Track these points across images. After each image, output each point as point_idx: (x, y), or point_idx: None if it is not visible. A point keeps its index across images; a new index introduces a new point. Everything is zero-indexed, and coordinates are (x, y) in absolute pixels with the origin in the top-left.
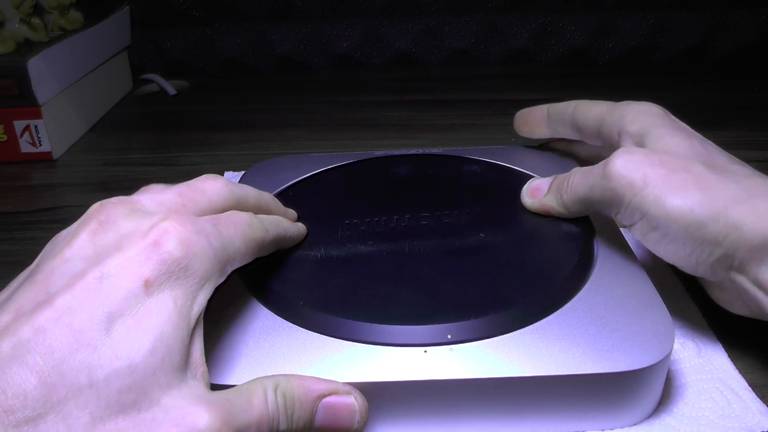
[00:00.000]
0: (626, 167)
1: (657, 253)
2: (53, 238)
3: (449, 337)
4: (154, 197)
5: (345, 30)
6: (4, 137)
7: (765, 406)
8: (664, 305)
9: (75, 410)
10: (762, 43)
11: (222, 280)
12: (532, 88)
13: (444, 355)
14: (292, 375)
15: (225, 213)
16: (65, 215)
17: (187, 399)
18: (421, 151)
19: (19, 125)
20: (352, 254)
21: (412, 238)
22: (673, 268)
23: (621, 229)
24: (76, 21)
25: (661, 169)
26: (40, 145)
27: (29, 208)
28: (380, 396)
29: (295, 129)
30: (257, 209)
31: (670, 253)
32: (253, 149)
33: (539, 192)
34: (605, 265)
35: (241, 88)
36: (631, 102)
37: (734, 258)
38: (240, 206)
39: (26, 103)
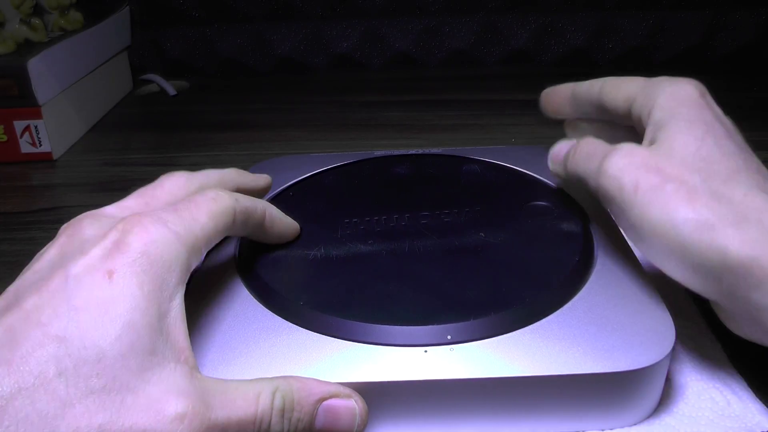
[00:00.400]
0: (621, 169)
1: (650, 261)
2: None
3: (449, 337)
4: (118, 204)
5: (345, 30)
6: (4, 137)
7: (765, 406)
8: (664, 305)
9: (44, 396)
10: (762, 43)
11: (199, 262)
12: (532, 88)
13: (444, 355)
14: (293, 377)
15: (188, 197)
16: (65, 215)
17: (163, 384)
18: (421, 151)
19: (19, 125)
20: (352, 254)
21: (412, 238)
22: None
23: (621, 229)
24: (76, 21)
25: (655, 177)
26: (40, 145)
27: (29, 208)
28: (380, 396)
29: (295, 129)
30: (221, 185)
31: (660, 264)
32: (253, 149)
33: (557, 157)
34: (605, 265)
35: (241, 88)
36: (665, 79)
37: (721, 282)
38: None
39: (26, 103)
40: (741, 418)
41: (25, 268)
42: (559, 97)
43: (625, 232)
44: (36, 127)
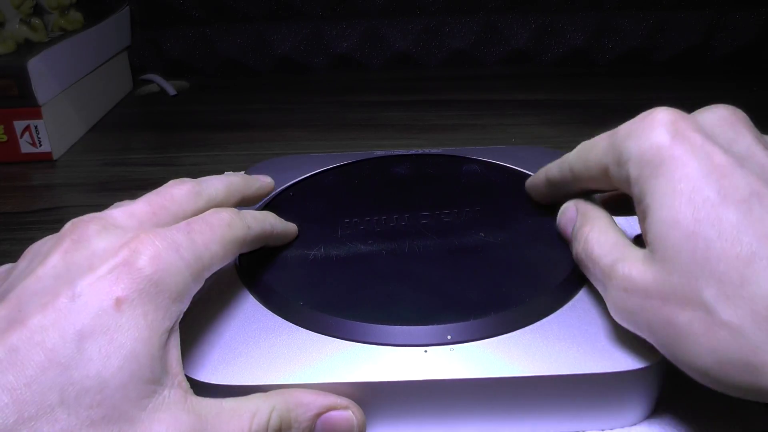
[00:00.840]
0: (625, 307)
1: None
2: (29, 248)
3: (449, 337)
4: (125, 209)
5: (345, 30)
6: (4, 137)
7: (765, 407)
8: None
9: (45, 426)
10: (762, 43)
11: (199, 287)
12: (532, 88)
13: (444, 355)
14: (290, 392)
15: (201, 215)
16: (65, 215)
17: (159, 412)
18: (421, 151)
19: (19, 125)
20: (352, 254)
21: (412, 238)
22: None
23: (621, 228)
24: (76, 21)
25: (662, 309)
26: (40, 145)
27: (29, 208)
28: (380, 396)
29: (295, 129)
30: (228, 197)
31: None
32: (253, 149)
33: (567, 228)
34: None
35: (241, 88)
36: (628, 132)
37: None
38: (212, 203)
39: (26, 103)
40: (741, 418)
41: (23, 260)
42: (538, 191)
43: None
44: (36, 127)
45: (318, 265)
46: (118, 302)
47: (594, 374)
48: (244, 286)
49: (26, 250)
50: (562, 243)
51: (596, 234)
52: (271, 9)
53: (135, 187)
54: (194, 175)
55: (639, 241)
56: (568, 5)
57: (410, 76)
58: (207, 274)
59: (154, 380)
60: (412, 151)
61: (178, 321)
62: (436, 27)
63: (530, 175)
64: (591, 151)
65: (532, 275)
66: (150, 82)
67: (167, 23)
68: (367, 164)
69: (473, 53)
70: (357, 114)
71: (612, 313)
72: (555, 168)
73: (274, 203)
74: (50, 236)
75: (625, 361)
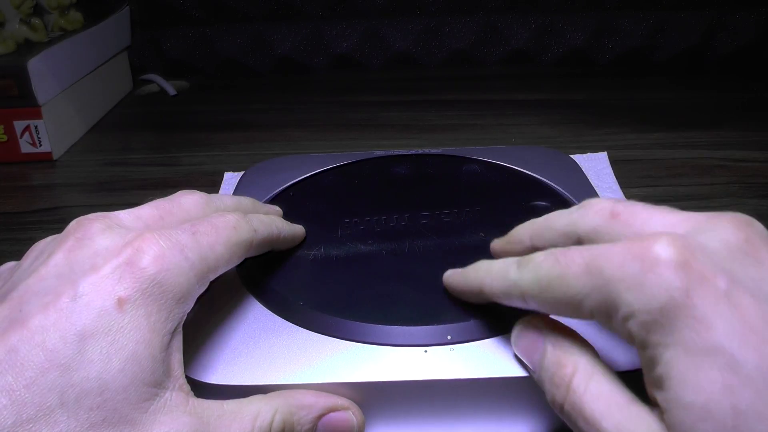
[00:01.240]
0: None
1: None
2: (33, 246)
3: (449, 337)
4: (132, 211)
5: (345, 30)
6: (4, 137)
7: None
8: None
9: (44, 428)
10: (762, 43)
11: (204, 289)
12: (532, 88)
13: (444, 355)
14: (292, 394)
15: (207, 218)
16: (65, 215)
17: (160, 414)
18: (421, 151)
19: (19, 125)
20: (352, 254)
21: (412, 238)
22: None
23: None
24: (76, 21)
25: None
26: (40, 145)
27: (29, 208)
28: (381, 396)
29: (295, 129)
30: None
31: None
32: (253, 149)
33: (532, 356)
34: None
35: (241, 88)
36: (623, 256)
37: None
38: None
39: (26, 103)
40: None
41: (26, 259)
42: (460, 293)
43: None
44: (36, 127)
45: (318, 265)
46: (121, 302)
47: None
48: (245, 286)
49: (30, 248)
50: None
51: (584, 381)
52: (271, 9)
53: (135, 187)
54: (194, 175)
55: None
56: (568, 5)
57: (410, 76)
58: (212, 277)
59: (156, 383)
60: (412, 151)
61: (182, 323)
62: (436, 27)
63: (530, 175)
64: (558, 287)
65: None
66: (150, 82)
67: (167, 23)
68: (367, 164)
69: (473, 53)
70: (357, 114)
71: None
72: (498, 287)
73: (274, 203)
74: (55, 235)
75: (624, 361)
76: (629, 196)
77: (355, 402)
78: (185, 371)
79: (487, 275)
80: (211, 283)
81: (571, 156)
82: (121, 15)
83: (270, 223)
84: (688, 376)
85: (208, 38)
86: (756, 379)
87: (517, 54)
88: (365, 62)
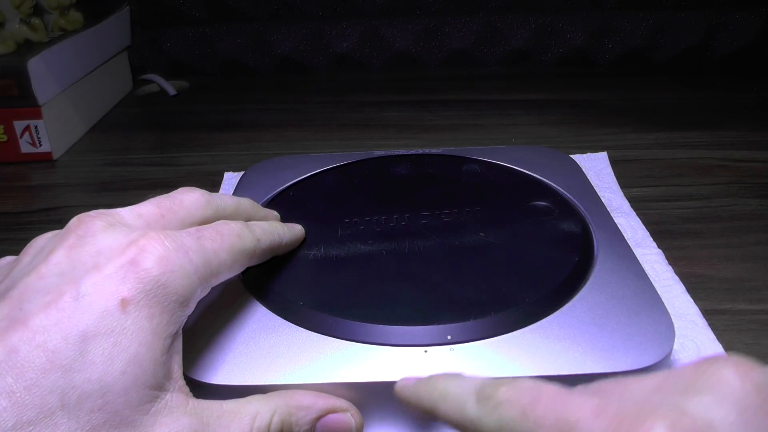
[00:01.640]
0: None
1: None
2: (32, 242)
3: (449, 337)
4: (133, 209)
5: (345, 30)
6: (4, 137)
7: None
8: (664, 305)
9: (45, 430)
10: (762, 43)
11: (205, 294)
12: (532, 88)
13: (444, 355)
14: (290, 394)
15: (213, 224)
16: (65, 215)
17: (160, 416)
18: (421, 151)
19: (19, 125)
20: (352, 254)
21: (412, 238)
22: (674, 268)
23: (621, 229)
24: (76, 21)
25: None
26: (40, 145)
27: (29, 208)
28: (380, 396)
29: (295, 129)
30: (236, 214)
31: None
32: (253, 149)
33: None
34: (605, 265)
35: (241, 88)
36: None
37: None
38: (220, 214)
39: (26, 103)
40: None
41: (25, 255)
42: (410, 405)
43: None
44: (36, 127)
45: (318, 265)
46: (124, 303)
47: (594, 374)
48: (245, 286)
49: (29, 244)
50: (562, 243)
51: None
52: (271, 9)
53: (135, 187)
54: (194, 175)
55: None
56: (568, 5)
57: (410, 76)
58: (214, 282)
59: (157, 385)
60: (412, 151)
61: (182, 326)
62: (436, 27)
63: (530, 175)
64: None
65: (532, 275)
66: (150, 82)
67: (167, 23)
68: (367, 164)
69: (473, 53)
70: (357, 114)
71: None
72: (453, 418)
73: (274, 203)
74: (55, 231)
75: (624, 361)
76: (629, 196)
77: (355, 402)
78: (186, 371)
79: (441, 400)
80: None
81: (571, 156)
82: (121, 15)
83: (272, 231)
84: None
85: (208, 38)
86: None
87: (517, 54)
88: (365, 62)
